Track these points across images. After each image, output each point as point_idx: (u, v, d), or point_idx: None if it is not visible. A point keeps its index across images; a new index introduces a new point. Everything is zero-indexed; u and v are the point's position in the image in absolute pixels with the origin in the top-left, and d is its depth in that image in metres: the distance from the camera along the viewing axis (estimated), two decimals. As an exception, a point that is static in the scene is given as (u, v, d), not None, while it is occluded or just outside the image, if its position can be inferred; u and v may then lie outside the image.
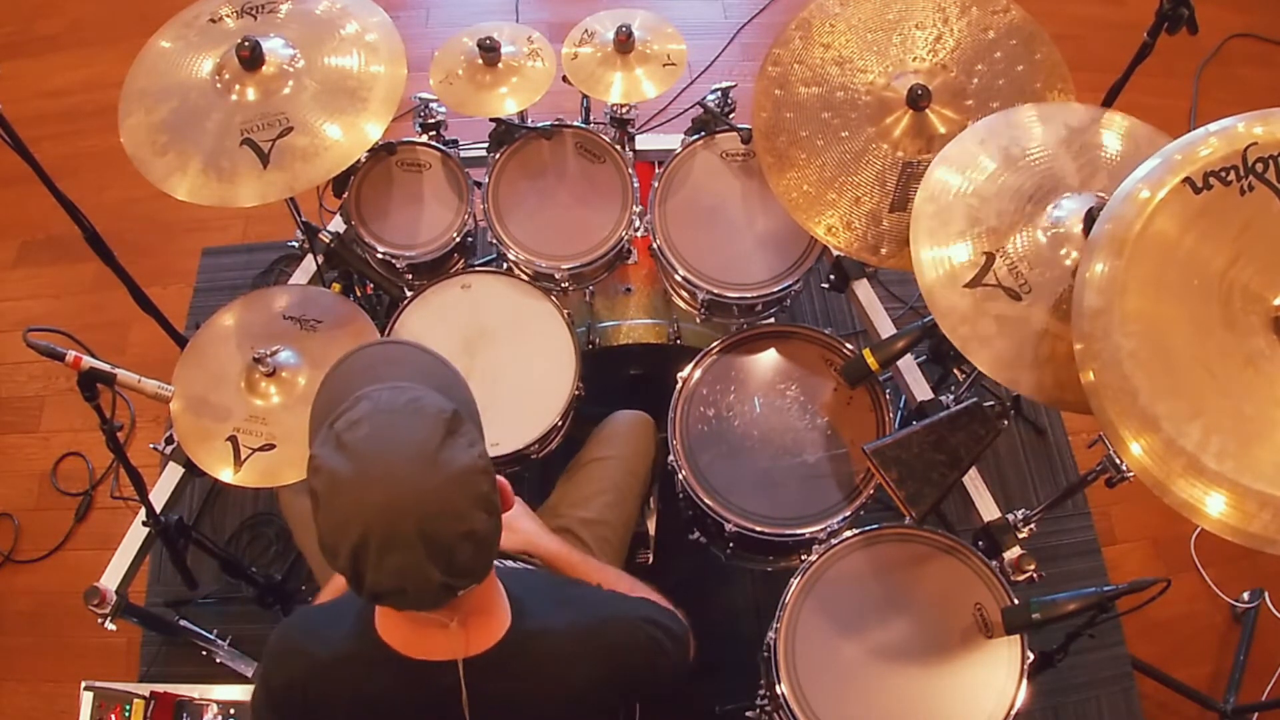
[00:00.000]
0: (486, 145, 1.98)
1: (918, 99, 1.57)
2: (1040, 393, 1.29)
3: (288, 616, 1.21)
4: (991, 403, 1.55)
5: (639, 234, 1.90)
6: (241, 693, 1.70)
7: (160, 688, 1.72)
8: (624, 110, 1.97)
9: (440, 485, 0.91)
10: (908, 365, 1.83)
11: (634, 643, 1.16)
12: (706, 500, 1.66)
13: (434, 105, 1.99)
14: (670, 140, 2.12)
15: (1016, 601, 1.46)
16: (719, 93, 1.96)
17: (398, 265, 1.88)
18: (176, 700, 1.71)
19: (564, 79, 1.88)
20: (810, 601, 1.53)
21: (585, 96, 2.01)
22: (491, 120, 1.91)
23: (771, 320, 1.96)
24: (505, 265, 1.93)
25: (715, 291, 1.83)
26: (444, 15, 3.38)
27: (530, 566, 1.46)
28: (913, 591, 1.54)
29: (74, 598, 1.59)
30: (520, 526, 1.44)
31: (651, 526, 1.85)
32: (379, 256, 1.88)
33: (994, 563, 1.54)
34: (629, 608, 1.23)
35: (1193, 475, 1.07)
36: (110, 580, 1.61)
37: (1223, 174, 1.13)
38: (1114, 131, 1.42)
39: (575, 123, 1.98)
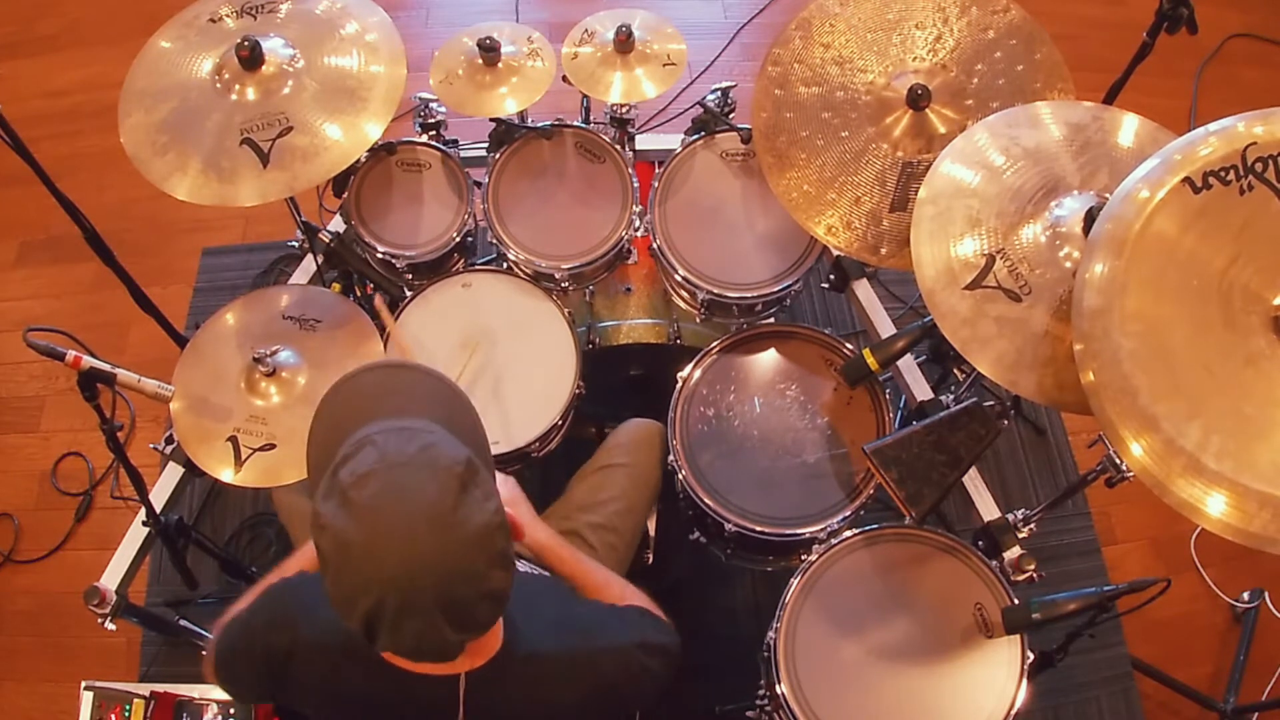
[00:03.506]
0: (486, 145, 1.98)
1: (918, 99, 1.57)
2: (1040, 394, 1.29)
3: (291, 578, 1.20)
4: (991, 403, 1.55)
5: (639, 234, 1.90)
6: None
7: (160, 688, 1.72)
8: (624, 110, 1.97)
9: (458, 548, 0.87)
10: (908, 365, 1.83)
11: (623, 670, 1.15)
12: (706, 500, 1.66)
13: (434, 105, 1.99)
14: (670, 140, 2.11)
15: (1016, 601, 1.46)
16: (719, 93, 1.96)
17: (398, 265, 1.88)
18: (176, 700, 1.71)
19: (564, 79, 1.88)
20: (810, 601, 1.53)
21: (585, 96, 2.01)
22: (491, 120, 1.91)
23: (771, 320, 1.96)
24: (505, 265, 1.93)
25: (715, 291, 1.83)
26: (444, 15, 3.38)
27: (530, 571, 1.45)
28: (913, 591, 1.54)
29: (74, 598, 1.59)
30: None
31: (651, 526, 1.84)
32: (379, 256, 1.88)
33: (994, 563, 1.54)
34: (622, 634, 1.20)
35: (1193, 475, 1.07)
36: (110, 580, 1.61)
37: (1222, 174, 1.13)
38: (1116, 129, 1.42)
39: (575, 123, 1.98)
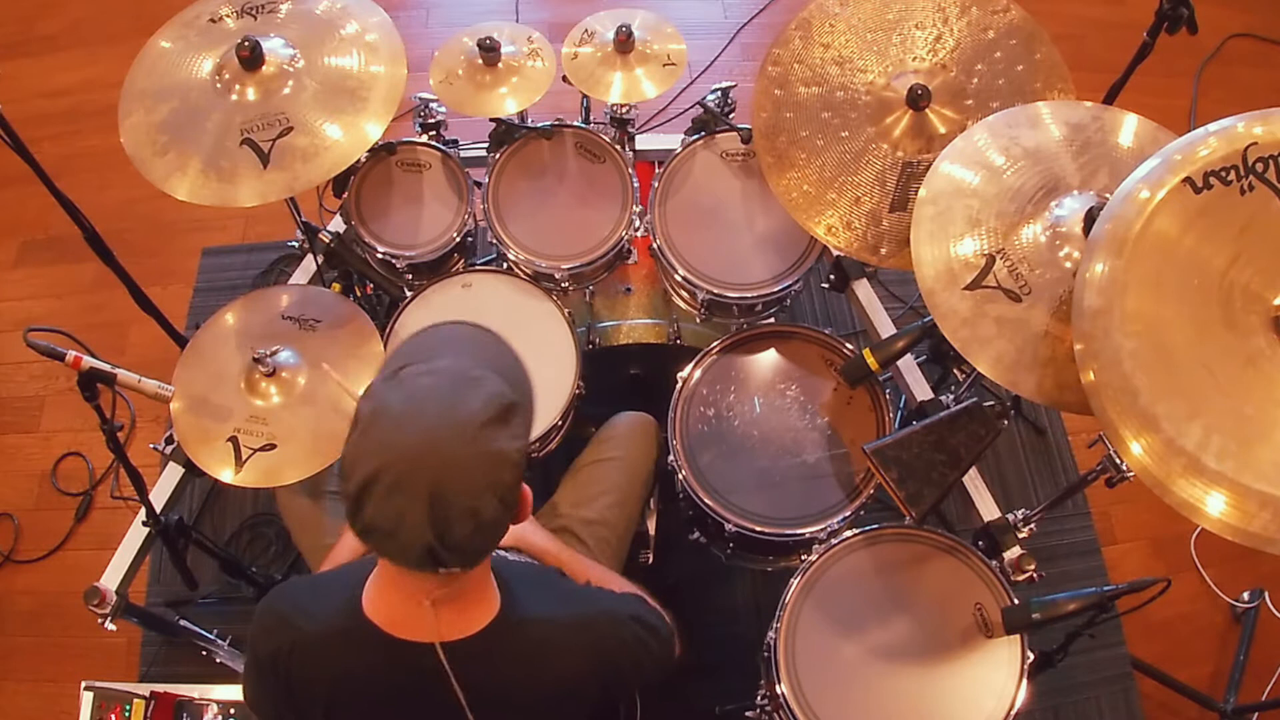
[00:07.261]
0: (486, 145, 1.98)
1: (918, 99, 1.57)
2: (1040, 394, 1.29)
3: (277, 585, 1.22)
4: (991, 403, 1.55)
5: (639, 234, 1.90)
6: (241, 692, 1.70)
7: (160, 688, 1.72)
8: (624, 110, 1.97)
9: (469, 457, 0.93)
10: (908, 365, 1.83)
11: (620, 638, 1.17)
12: (706, 500, 1.66)
13: (434, 105, 1.99)
14: (670, 140, 2.11)
15: (1016, 601, 1.46)
16: (719, 93, 1.96)
17: (398, 265, 1.88)
18: (176, 700, 1.71)
19: (564, 79, 1.88)
20: (810, 601, 1.53)
21: (585, 96, 2.01)
22: (491, 120, 1.91)
23: (771, 320, 1.96)
24: (505, 265, 1.93)
25: (715, 291, 1.83)
26: (444, 15, 3.38)
27: (527, 560, 1.46)
28: (913, 591, 1.54)
29: (74, 598, 1.59)
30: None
31: (651, 526, 1.85)
32: (379, 256, 1.88)
33: (994, 563, 1.54)
34: (618, 604, 1.24)
35: (1193, 475, 1.07)
36: (110, 580, 1.61)
37: (1223, 174, 1.13)
38: (1116, 129, 1.42)
39: (575, 123, 1.98)
